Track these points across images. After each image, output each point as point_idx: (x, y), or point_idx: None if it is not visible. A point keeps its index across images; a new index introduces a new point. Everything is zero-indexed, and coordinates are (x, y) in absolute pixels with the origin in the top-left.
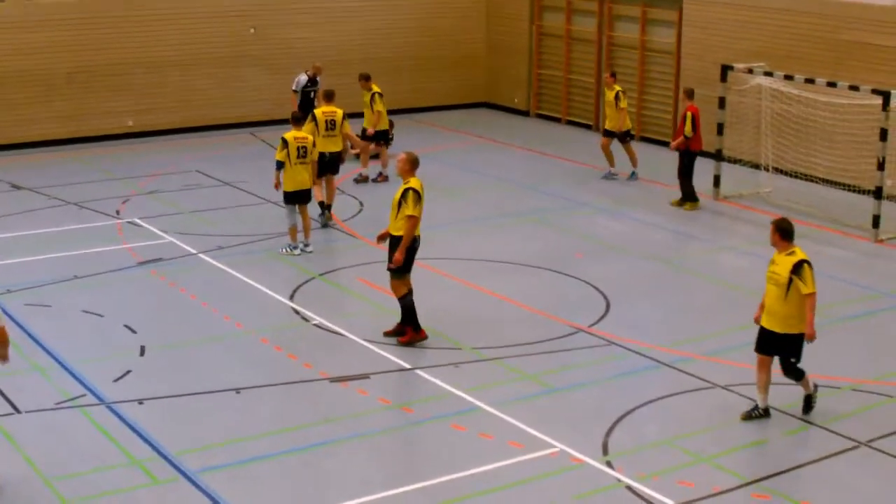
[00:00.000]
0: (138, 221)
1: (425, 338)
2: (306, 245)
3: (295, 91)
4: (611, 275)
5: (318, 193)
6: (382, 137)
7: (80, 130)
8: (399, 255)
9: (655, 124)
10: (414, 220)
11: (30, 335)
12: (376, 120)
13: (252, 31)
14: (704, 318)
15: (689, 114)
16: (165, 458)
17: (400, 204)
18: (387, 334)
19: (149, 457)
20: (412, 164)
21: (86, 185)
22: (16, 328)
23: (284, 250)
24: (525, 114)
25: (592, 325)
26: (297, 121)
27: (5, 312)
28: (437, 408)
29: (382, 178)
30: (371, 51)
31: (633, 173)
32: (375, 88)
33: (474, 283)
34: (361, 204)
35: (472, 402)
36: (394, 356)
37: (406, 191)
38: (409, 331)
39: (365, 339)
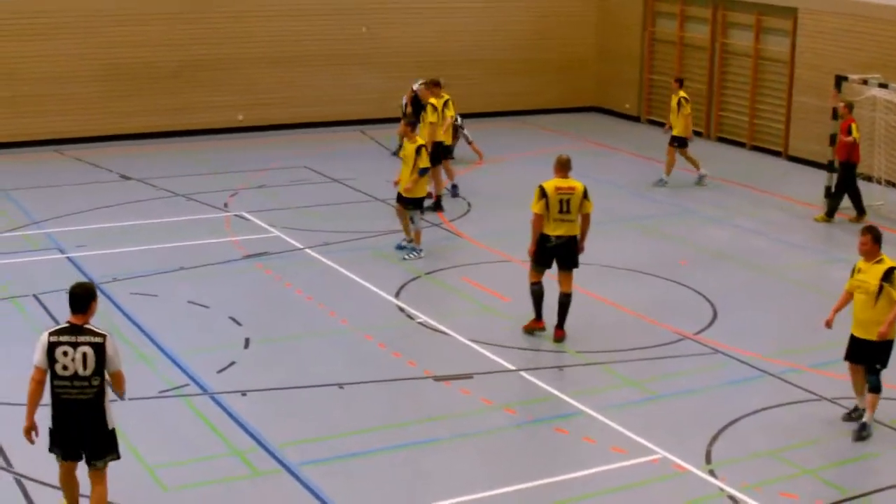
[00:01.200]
0: (246, 215)
1: (542, 328)
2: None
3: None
4: (717, 283)
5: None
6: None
7: (190, 123)
8: (531, 248)
9: (767, 133)
10: (536, 217)
11: (135, 324)
12: (447, 128)
13: (364, 30)
14: (812, 329)
15: (852, 124)
16: (267, 449)
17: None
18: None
19: (250, 448)
20: (559, 165)
21: (195, 177)
22: (122, 317)
23: (412, 255)
24: (636, 119)
25: (698, 332)
26: (413, 125)
27: (112, 302)
28: (540, 410)
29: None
30: (480, 52)
31: (662, 180)
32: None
33: (580, 287)
34: (469, 204)
35: (576, 406)
36: (498, 357)
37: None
38: (532, 319)
39: (469, 339)
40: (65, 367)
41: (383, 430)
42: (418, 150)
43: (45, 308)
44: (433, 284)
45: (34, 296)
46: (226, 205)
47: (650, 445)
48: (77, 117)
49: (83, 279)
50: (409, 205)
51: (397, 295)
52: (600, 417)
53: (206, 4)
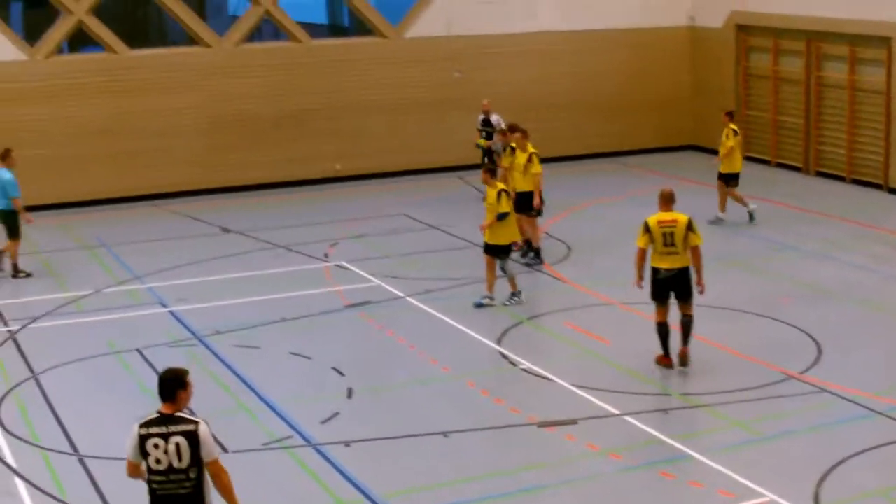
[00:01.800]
0: (346, 265)
1: (670, 365)
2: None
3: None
4: (821, 319)
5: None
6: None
7: (288, 175)
8: (635, 281)
9: (865, 165)
10: (637, 251)
11: (238, 376)
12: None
13: (457, 75)
14: None
15: None
16: (371, 500)
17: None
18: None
19: (355, 499)
20: (663, 199)
21: (294, 228)
22: (224, 369)
23: (513, 300)
24: None
25: (804, 371)
26: (492, 171)
27: (215, 354)
28: (645, 455)
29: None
30: (576, 94)
31: (718, 217)
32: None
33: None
34: (569, 247)
35: (682, 450)
36: (602, 402)
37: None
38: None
39: (573, 384)
40: (158, 461)
41: (488, 477)
42: (498, 196)
43: (149, 362)
44: (535, 330)
45: (138, 350)
46: (326, 255)
47: (758, 488)
48: (177, 171)
49: (185, 332)
50: (497, 253)
51: (499, 341)
52: (706, 460)
53: (305, 55)
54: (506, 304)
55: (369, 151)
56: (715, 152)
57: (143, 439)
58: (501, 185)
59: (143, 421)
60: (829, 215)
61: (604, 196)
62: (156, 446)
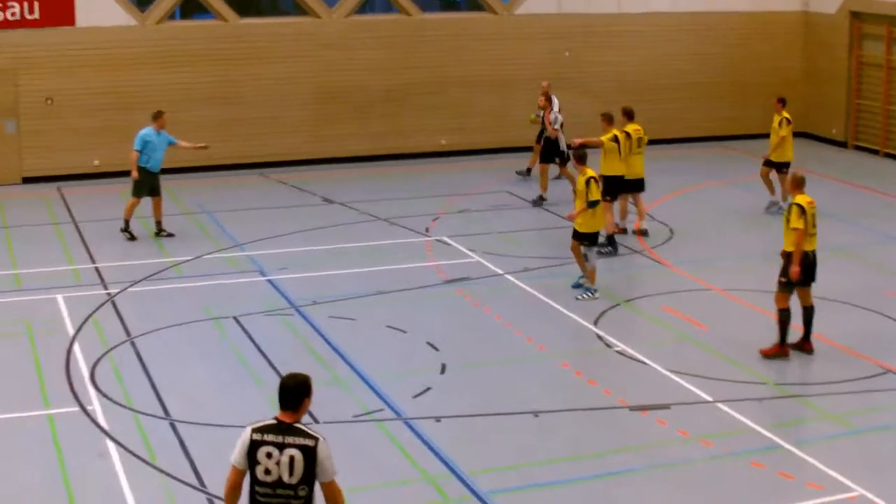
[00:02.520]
0: (447, 240)
1: (786, 355)
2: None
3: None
4: None
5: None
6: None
7: (393, 147)
8: (795, 269)
9: None
10: (799, 233)
11: (333, 347)
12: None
13: (567, 54)
14: None
15: None
16: (459, 476)
17: (788, 220)
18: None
19: (442, 474)
20: (796, 183)
21: (396, 201)
22: (319, 340)
23: (585, 296)
24: (843, 145)
25: None
26: (581, 158)
27: (311, 325)
28: (737, 443)
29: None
30: (685, 77)
31: (779, 206)
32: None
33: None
34: (672, 231)
35: (774, 440)
36: (695, 387)
37: (790, 206)
38: (776, 345)
39: (667, 369)
40: (267, 472)
41: (577, 459)
42: (588, 183)
43: (245, 330)
44: (632, 312)
45: (234, 318)
46: (427, 229)
47: (848, 482)
48: (283, 140)
49: (283, 301)
50: (583, 240)
51: (596, 322)
52: (798, 452)
53: (415, 29)
54: (577, 299)
55: (475, 127)
56: (823, 140)
57: (254, 445)
58: (591, 172)
59: (257, 425)
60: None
61: (708, 180)
62: (268, 455)
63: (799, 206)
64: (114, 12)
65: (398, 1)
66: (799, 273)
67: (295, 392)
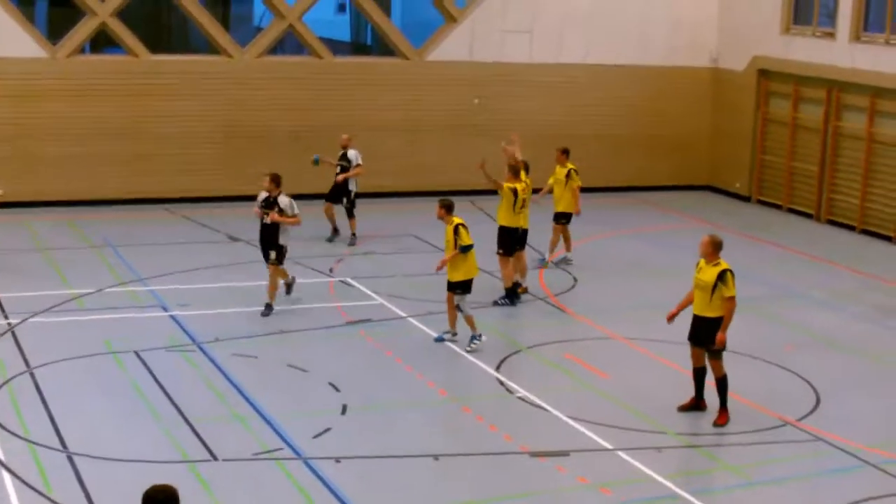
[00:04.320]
0: (350, 281)
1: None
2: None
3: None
4: (823, 369)
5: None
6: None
7: (301, 188)
8: (723, 335)
9: (879, 217)
10: (734, 302)
11: (234, 385)
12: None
13: (476, 101)
14: None
15: None
16: None
17: (716, 286)
18: (682, 409)
19: None
20: (716, 247)
21: (302, 241)
22: (220, 377)
23: (473, 344)
24: (747, 199)
25: (800, 419)
26: (448, 208)
27: (213, 362)
28: (636, 491)
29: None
30: (595, 128)
31: (566, 258)
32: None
33: (682, 367)
34: (575, 279)
35: (672, 490)
36: (595, 435)
37: (723, 272)
38: (726, 413)
39: (568, 416)
40: None
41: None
42: (456, 230)
43: (145, 365)
44: (534, 359)
45: (135, 352)
46: (331, 270)
47: None
48: (190, 177)
49: (185, 337)
50: (455, 289)
51: (498, 368)
52: (696, 502)
53: (326, 71)
54: (467, 350)
55: (383, 170)
56: (727, 194)
57: None
58: (458, 220)
59: None
60: (838, 264)
61: (614, 230)
62: None
63: (731, 272)
64: (24, 44)
65: (309, 43)
66: (724, 341)
67: None
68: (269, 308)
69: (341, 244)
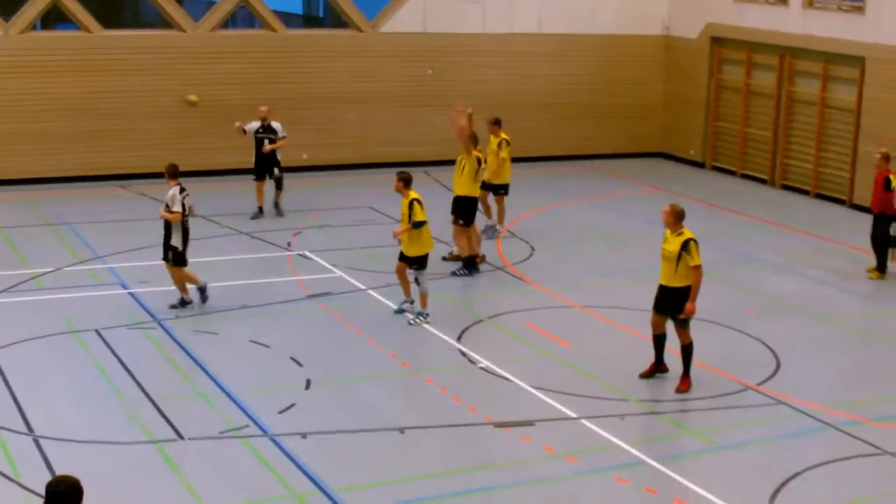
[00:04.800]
0: (308, 254)
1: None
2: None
3: (240, 129)
4: (782, 333)
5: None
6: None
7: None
8: (692, 306)
9: (832, 181)
10: (701, 270)
11: (196, 362)
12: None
13: (430, 72)
14: (879, 381)
15: (890, 176)
16: (326, 493)
17: (680, 255)
18: (643, 376)
19: (309, 491)
20: (677, 217)
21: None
22: (182, 354)
23: (418, 320)
24: (701, 165)
25: (761, 383)
26: (406, 182)
27: (174, 339)
28: (601, 459)
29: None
30: (549, 97)
31: (496, 229)
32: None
33: (642, 334)
34: (532, 248)
35: (637, 456)
36: (559, 404)
37: (687, 241)
38: (689, 380)
39: (531, 385)
40: None
41: (443, 476)
42: (411, 205)
43: (107, 343)
44: (496, 329)
45: (96, 331)
46: (289, 244)
47: (711, 497)
48: (145, 153)
49: (145, 315)
50: (411, 264)
51: (459, 339)
52: (661, 468)
53: (279, 44)
54: (409, 324)
55: (338, 143)
56: (681, 160)
57: None
58: (415, 195)
59: None
60: (793, 229)
61: (569, 198)
62: None
63: (695, 241)
64: None
65: (262, 16)
66: (693, 311)
67: (66, 499)
68: (182, 302)
69: (299, 217)
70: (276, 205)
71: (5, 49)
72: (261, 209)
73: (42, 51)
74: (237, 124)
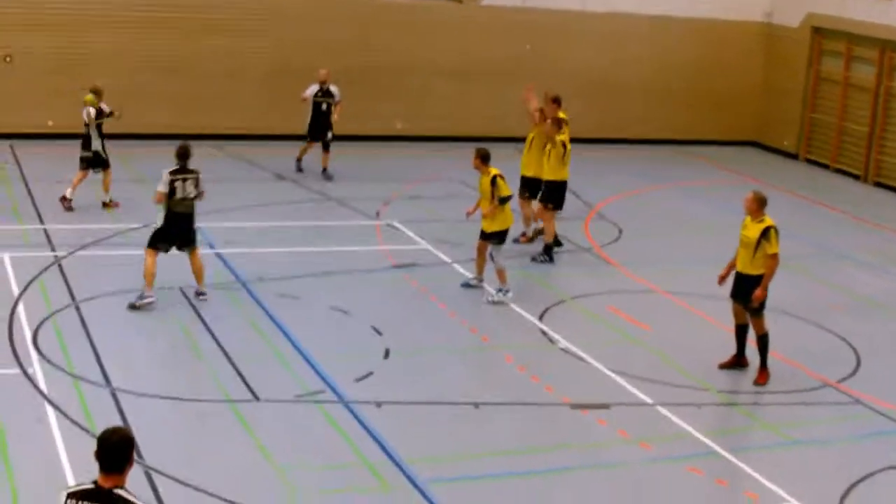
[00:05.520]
0: (397, 225)
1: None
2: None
3: (304, 99)
4: (865, 330)
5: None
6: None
7: (349, 129)
8: (762, 292)
9: None
10: (777, 259)
11: (277, 325)
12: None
13: (528, 48)
14: None
15: None
16: (396, 463)
17: (759, 242)
18: (722, 366)
19: (380, 460)
20: (760, 204)
21: (349, 182)
22: (264, 317)
23: (497, 296)
24: (794, 157)
25: (841, 380)
26: (485, 158)
27: (257, 301)
28: (674, 447)
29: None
30: (645, 80)
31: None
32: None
33: (724, 324)
34: (620, 231)
35: (711, 447)
36: (637, 389)
37: (767, 229)
38: (766, 372)
39: (609, 369)
40: None
41: (515, 454)
42: (493, 181)
43: (190, 302)
44: (578, 310)
45: (180, 289)
46: (378, 213)
47: (782, 493)
48: (238, 114)
49: (229, 276)
50: (491, 239)
51: (541, 318)
52: (734, 460)
53: (377, 11)
54: (489, 301)
55: (432, 114)
56: (775, 151)
57: None
58: (495, 171)
59: (73, 490)
60: (883, 226)
61: (660, 183)
62: None
63: (776, 229)
64: None
65: None
66: (761, 297)
67: (117, 451)
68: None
69: (389, 187)
70: (325, 170)
71: (105, 4)
72: (300, 161)
73: (138, 7)
74: (302, 95)
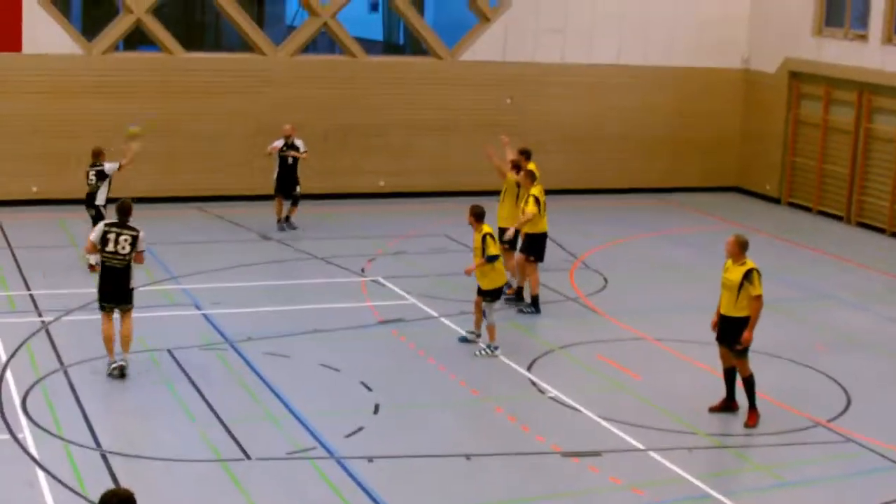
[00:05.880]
0: (382, 281)
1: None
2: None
3: (270, 153)
4: (853, 369)
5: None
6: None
7: (331, 187)
8: (749, 334)
9: None
10: (761, 301)
11: (266, 384)
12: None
13: (509, 101)
14: None
15: None
16: None
17: (742, 285)
18: (713, 410)
19: None
20: (741, 247)
21: (333, 240)
22: (253, 376)
23: (484, 352)
24: (777, 201)
25: (831, 419)
26: (479, 216)
27: (245, 360)
28: (667, 492)
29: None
30: (625, 129)
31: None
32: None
33: (713, 369)
34: (605, 280)
35: (704, 490)
36: (627, 435)
37: (749, 272)
38: (756, 413)
39: (599, 416)
40: None
41: (509, 503)
42: (484, 239)
43: (179, 364)
44: (567, 359)
45: (168, 351)
46: (363, 269)
47: None
48: (223, 175)
49: (217, 336)
50: (485, 296)
51: (530, 368)
52: (728, 502)
53: (359, 70)
54: (476, 354)
55: (415, 170)
56: (757, 195)
57: None
58: (488, 229)
59: None
60: (868, 267)
61: (643, 231)
62: None
63: (758, 270)
64: (61, 40)
65: (343, 42)
66: (749, 340)
67: None
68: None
69: (374, 243)
70: (288, 219)
71: (88, 69)
72: (280, 222)
73: (124, 72)
74: (268, 149)
